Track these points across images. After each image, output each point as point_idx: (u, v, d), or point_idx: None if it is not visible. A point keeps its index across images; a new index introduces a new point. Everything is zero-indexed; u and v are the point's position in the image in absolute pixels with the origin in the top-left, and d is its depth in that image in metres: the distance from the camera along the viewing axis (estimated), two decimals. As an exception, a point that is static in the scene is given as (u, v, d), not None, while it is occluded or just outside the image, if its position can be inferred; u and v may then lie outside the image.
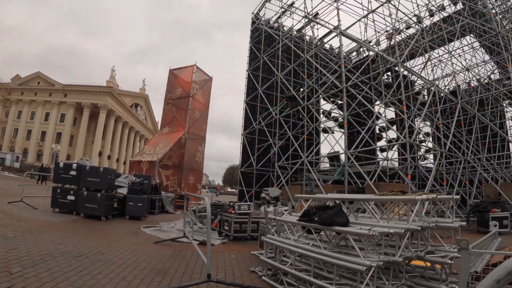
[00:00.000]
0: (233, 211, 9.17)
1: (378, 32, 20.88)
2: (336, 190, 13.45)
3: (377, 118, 18.22)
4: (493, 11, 17.42)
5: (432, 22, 18.96)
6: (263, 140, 19.93)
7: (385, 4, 16.29)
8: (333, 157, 19.70)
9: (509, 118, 20.10)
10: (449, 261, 3.75)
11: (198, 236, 7.77)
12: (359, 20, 19.64)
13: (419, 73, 20.55)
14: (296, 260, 4.70)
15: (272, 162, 19.39)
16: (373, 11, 17.34)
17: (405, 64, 18.01)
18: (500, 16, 16.97)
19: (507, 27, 16.91)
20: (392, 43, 19.74)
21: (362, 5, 18.35)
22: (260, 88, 20.16)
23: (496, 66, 19.01)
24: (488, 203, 11.85)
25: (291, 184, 17.23)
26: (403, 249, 3.68)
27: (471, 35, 19.02)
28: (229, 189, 64.34)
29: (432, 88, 15.15)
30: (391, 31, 19.20)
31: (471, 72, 20.16)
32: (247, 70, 21.50)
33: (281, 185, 17.20)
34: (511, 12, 17.75)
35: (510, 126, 20.12)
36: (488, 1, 18.04)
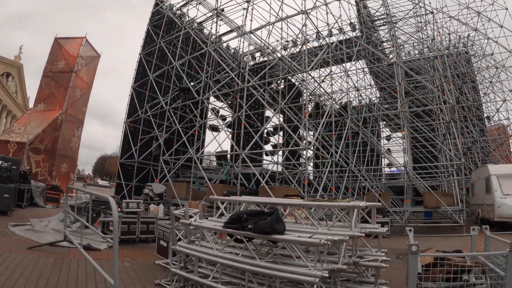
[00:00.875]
0: (119, 209, 8.04)
1: (285, 39, 20.48)
2: (226, 190, 13.23)
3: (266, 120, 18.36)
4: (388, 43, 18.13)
5: (337, 40, 19.10)
6: (147, 131, 18.69)
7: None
8: (221, 157, 19.34)
9: (383, 137, 23.50)
10: (384, 265, 3.98)
11: (78, 238, 6.75)
12: (265, 25, 19.08)
13: (317, 85, 21.14)
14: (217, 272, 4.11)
15: (154, 155, 18.37)
16: (282, 19, 16.77)
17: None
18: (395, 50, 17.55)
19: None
20: (299, 50, 19.75)
21: (271, 13, 17.87)
22: (151, 75, 18.61)
23: (379, 91, 20.36)
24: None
25: (173, 180, 16.25)
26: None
27: (363, 60, 19.73)
28: (99, 181, 59.23)
29: (329, 102, 15.49)
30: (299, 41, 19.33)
31: (360, 92, 21.01)
32: (139, 53, 19.66)
33: (164, 181, 16.33)
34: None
35: (383, 144, 23.05)
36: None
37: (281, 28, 18.91)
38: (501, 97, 21.21)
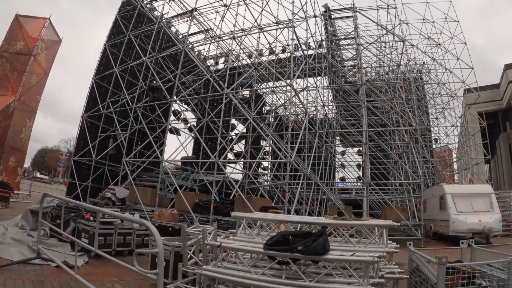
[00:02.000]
0: (91, 218, 7.31)
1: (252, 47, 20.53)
2: (197, 199, 13.04)
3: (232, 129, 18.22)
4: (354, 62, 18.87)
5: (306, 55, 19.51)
6: (105, 128, 17.81)
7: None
8: (187, 163, 18.82)
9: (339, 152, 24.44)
10: (405, 276, 4.51)
11: (47, 251, 5.93)
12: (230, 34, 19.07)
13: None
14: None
15: (110, 155, 17.52)
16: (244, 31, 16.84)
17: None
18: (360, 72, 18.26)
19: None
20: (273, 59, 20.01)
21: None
22: (116, 68, 17.75)
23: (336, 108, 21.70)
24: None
25: (129, 184, 15.35)
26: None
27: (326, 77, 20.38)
28: (38, 175, 55.44)
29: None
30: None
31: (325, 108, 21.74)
32: (104, 44, 18.69)
33: (125, 184, 15.29)
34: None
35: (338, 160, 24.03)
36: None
37: (259, 37, 18.85)
38: (452, 122, 23.06)
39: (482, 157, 22.98)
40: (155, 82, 17.24)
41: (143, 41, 18.42)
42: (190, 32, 17.76)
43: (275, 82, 20.51)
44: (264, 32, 16.31)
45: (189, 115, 21.95)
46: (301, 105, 14.69)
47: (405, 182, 17.61)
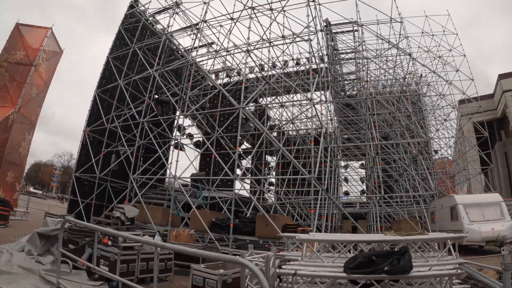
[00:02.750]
0: (109, 242, 6.59)
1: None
2: (214, 217, 12.52)
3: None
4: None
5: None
6: (107, 143, 17.18)
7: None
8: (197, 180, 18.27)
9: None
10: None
11: (64, 282, 5.27)
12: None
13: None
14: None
15: (112, 171, 16.91)
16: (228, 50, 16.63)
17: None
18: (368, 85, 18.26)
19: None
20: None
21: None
22: (121, 81, 17.29)
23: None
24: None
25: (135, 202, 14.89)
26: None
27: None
28: (31, 189, 54.01)
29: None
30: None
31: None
32: (107, 56, 18.28)
33: (133, 203, 14.65)
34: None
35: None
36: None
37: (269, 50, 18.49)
38: (451, 133, 23.30)
39: (479, 166, 23.20)
40: (161, 96, 16.78)
41: (146, 54, 18.09)
42: (193, 46, 17.48)
43: (288, 96, 20.26)
44: (274, 46, 16.17)
45: (194, 130, 21.49)
46: (314, 119, 14.36)
47: (417, 194, 17.48)
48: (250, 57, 16.19)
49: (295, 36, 14.26)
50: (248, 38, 14.48)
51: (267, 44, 15.77)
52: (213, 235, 11.40)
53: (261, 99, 21.39)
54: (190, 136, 19.96)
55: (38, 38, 17.79)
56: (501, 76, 27.05)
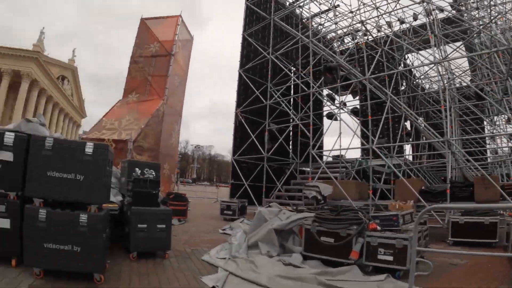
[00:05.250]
0: (378, 227, 5.14)
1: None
2: (422, 185, 10.56)
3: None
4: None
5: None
6: (259, 122, 16.20)
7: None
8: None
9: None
10: None
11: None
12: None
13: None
14: None
15: (268, 149, 15.57)
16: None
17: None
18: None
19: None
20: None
21: None
22: (271, 55, 16.01)
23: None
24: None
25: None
26: None
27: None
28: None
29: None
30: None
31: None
32: (242, 34, 17.30)
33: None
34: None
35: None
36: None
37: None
38: None
39: None
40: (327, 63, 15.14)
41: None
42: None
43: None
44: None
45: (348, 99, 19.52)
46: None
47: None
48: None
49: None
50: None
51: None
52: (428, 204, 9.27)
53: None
54: (343, 104, 17.92)
55: (168, 28, 16.96)
56: None
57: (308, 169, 15.23)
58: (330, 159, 15.73)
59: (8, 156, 3.96)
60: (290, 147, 17.45)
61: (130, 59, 16.88)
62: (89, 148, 4.05)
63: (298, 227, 6.06)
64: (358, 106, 17.36)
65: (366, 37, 17.48)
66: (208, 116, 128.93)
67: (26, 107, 49.02)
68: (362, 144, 13.09)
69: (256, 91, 15.90)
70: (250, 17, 17.70)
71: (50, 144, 3.99)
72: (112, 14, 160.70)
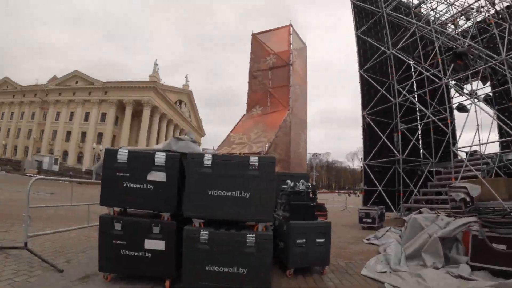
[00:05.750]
0: None
1: None
2: None
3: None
4: None
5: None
6: (386, 122, 15.47)
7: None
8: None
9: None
10: None
11: None
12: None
13: None
14: None
15: (397, 150, 14.70)
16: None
17: None
18: None
19: None
20: None
21: None
22: (391, 50, 15.23)
23: None
24: None
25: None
26: None
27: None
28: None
29: None
30: None
31: None
32: (355, 33, 16.76)
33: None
34: None
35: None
36: None
37: None
38: None
39: None
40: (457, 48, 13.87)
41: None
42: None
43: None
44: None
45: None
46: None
47: None
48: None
49: None
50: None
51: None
52: None
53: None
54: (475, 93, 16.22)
55: (281, 39, 17.47)
56: None
57: (442, 169, 14.15)
58: (463, 155, 14.31)
59: (161, 176, 3.91)
60: (420, 146, 16.34)
61: (248, 74, 17.77)
62: (254, 162, 3.83)
63: (461, 234, 5.52)
64: (490, 93, 15.49)
65: (492, 12, 15.61)
66: (318, 123, 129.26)
67: (150, 131, 55.17)
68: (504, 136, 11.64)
69: (381, 89, 15.24)
70: (359, 15, 17.08)
71: (209, 161, 3.84)
72: (206, 37, 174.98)
